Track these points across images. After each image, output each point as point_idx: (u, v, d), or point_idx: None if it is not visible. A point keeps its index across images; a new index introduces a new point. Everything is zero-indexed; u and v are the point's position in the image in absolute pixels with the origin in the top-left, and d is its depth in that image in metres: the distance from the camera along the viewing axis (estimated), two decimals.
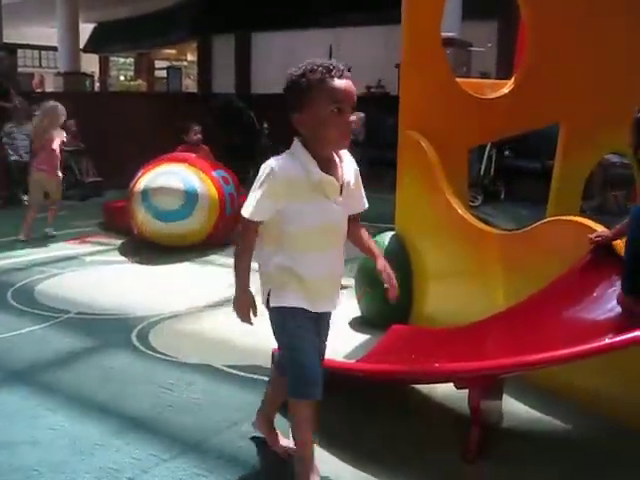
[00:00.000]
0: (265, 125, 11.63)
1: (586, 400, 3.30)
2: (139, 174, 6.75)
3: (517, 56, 5.45)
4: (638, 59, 5.01)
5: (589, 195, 8.97)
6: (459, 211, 3.94)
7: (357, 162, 2.76)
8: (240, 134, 11.27)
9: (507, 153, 10.69)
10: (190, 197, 6.33)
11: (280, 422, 3.00)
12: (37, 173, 7.21)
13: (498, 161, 10.15)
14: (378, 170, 8.98)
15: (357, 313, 4.61)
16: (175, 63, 25.12)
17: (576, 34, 4.76)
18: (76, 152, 10.01)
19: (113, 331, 4.43)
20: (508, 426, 3.20)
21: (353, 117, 2.59)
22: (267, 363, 3.52)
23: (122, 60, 27.18)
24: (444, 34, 10.95)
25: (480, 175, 9.83)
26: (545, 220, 3.59)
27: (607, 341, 2.56)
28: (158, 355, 4.02)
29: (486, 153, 9.86)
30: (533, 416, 3.32)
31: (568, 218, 3.51)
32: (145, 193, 6.37)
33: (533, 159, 9.57)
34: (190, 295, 5.22)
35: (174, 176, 6.42)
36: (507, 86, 4.76)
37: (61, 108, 7.30)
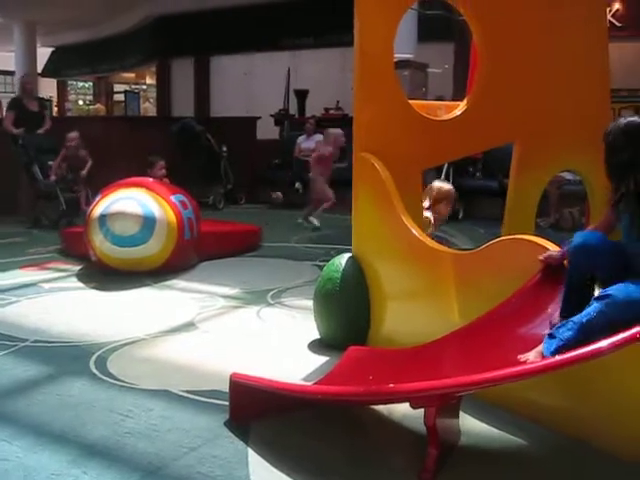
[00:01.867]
0: (224, 148, 11.63)
1: (543, 416, 3.34)
2: (97, 199, 6.73)
3: (470, 78, 5.54)
4: (588, 80, 5.13)
5: (545, 212, 9.13)
6: (413, 232, 3.98)
7: None
8: (199, 158, 11.26)
9: (478, 175, 10.90)
10: (148, 222, 6.31)
11: None
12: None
13: (456, 181, 10.27)
14: (338, 191, 9.05)
15: (315, 335, 4.63)
16: (134, 87, 25.06)
17: (527, 56, 4.86)
18: (62, 179, 9.73)
19: (71, 358, 4.38)
20: (466, 444, 3.22)
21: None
22: (224, 387, 3.53)
23: (81, 84, 27.00)
24: (401, 56, 11.15)
25: None
26: (497, 239, 3.65)
27: (557, 358, 2.60)
28: (116, 382, 3.98)
29: (443, 173, 9.96)
30: (491, 433, 3.34)
31: (519, 237, 3.57)
32: (102, 218, 6.34)
33: (490, 178, 9.70)
34: (149, 320, 5.18)
35: (131, 201, 6.40)
36: (460, 107, 4.84)
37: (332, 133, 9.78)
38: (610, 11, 14.23)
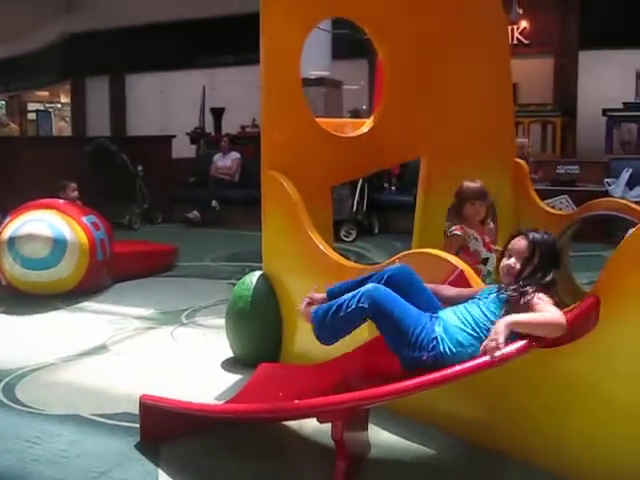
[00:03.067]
0: (140, 168, 11.50)
1: (449, 424, 3.42)
2: (6, 221, 6.59)
3: (376, 95, 5.65)
4: (492, 97, 5.29)
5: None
6: (321, 247, 4.02)
7: None
8: (113, 178, 11.11)
9: (394, 189, 11.09)
10: (58, 244, 6.21)
11: None
12: None
13: (371, 195, 10.42)
14: (253, 209, 9.05)
15: (229, 354, 4.63)
16: (49, 105, 24.62)
17: (430, 73, 4.98)
18: None
19: None
20: (376, 456, 3.28)
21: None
22: (136, 409, 3.50)
23: None
24: (316, 73, 11.24)
25: (353, 210, 10.04)
26: (402, 254, 3.71)
27: (458, 368, 2.67)
28: (24, 408, 3.90)
29: (358, 188, 10.08)
30: (400, 444, 3.40)
31: (422, 251, 3.66)
32: (11, 241, 6.21)
33: (406, 192, 9.85)
34: (60, 344, 5.08)
35: (41, 223, 6.29)
36: (367, 124, 4.92)
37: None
38: (518, 29, 14.66)
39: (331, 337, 3.21)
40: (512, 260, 3.08)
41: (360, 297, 3.02)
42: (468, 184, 4.46)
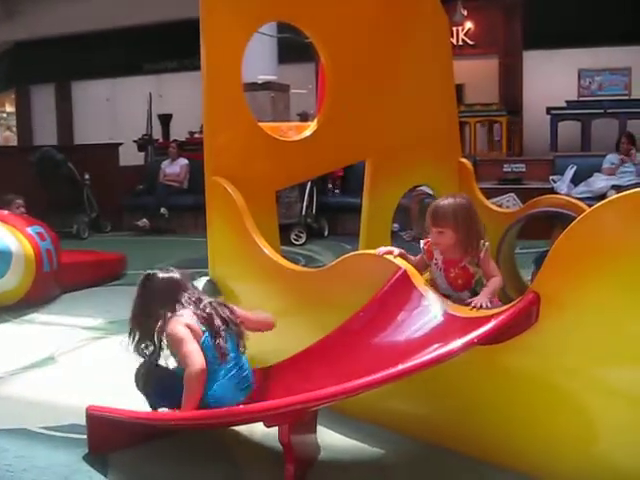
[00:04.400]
0: (87, 176, 11.39)
1: (398, 424, 3.45)
2: None
3: (319, 98, 5.67)
4: (435, 98, 5.35)
5: (408, 226, 9.41)
6: (266, 251, 4.03)
7: None
8: (60, 187, 10.99)
9: (337, 192, 11.16)
10: (3, 256, 6.13)
11: None
12: None
13: (320, 198, 10.47)
14: (203, 216, 9.01)
15: None
16: None
17: (373, 75, 5.03)
18: None
19: None
20: (326, 458, 3.28)
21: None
22: (83, 421, 3.46)
23: None
24: (264, 77, 11.23)
25: (302, 214, 10.07)
26: (345, 256, 3.72)
27: (400, 367, 2.69)
28: None
29: (307, 191, 10.12)
30: (351, 446, 3.41)
31: (364, 252, 3.69)
32: None
33: (353, 195, 9.92)
34: (7, 357, 5.00)
35: None
36: (310, 128, 4.94)
37: None
38: (463, 30, 14.85)
39: None
40: None
41: None
42: (436, 202, 3.64)
